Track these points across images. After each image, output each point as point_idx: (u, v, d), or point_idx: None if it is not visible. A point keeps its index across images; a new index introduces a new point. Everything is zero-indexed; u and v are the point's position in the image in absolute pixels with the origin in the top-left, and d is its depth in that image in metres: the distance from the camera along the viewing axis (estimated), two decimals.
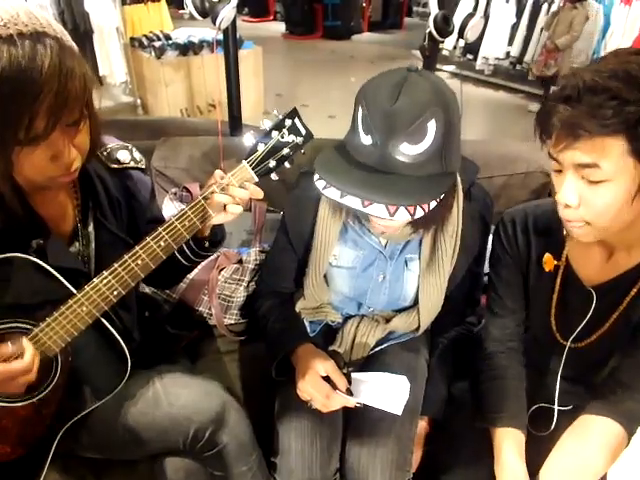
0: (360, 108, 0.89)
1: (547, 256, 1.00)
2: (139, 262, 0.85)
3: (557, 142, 0.77)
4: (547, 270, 1.00)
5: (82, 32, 4.27)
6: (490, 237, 1.14)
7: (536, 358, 1.09)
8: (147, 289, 1.46)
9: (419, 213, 0.87)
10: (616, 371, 0.94)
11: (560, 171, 0.81)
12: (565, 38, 5.13)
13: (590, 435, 0.90)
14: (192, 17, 1.66)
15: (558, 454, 0.91)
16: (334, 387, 1.02)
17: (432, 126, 0.85)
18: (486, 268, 1.18)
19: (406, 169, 0.86)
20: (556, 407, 1.01)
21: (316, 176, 0.90)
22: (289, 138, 0.89)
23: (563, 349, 1.01)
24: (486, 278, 1.17)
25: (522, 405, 1.03)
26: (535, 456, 0.93)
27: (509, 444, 0.96)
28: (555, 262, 0.99)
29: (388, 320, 1.23)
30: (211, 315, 1.48)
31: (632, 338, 0.93)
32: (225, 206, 0.89)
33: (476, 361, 1.12)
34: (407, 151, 0.85)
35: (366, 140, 0.88)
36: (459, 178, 1.06)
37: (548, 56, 5.32)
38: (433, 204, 0.88)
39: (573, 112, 0.72)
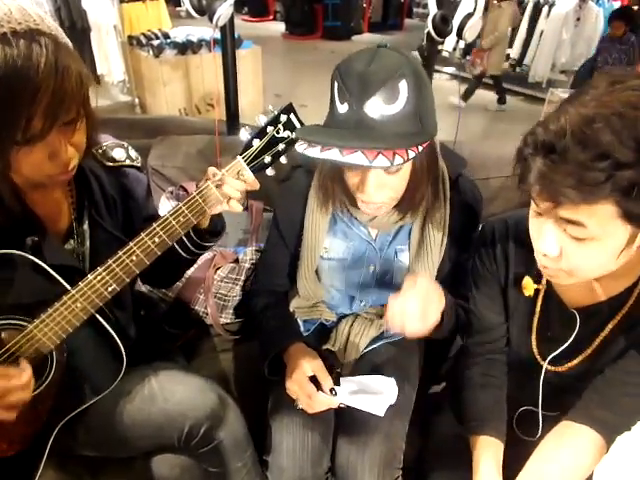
0: (335, 83, 0.91)
1: (526, 280, 0.94)
2: (133, 258, 0.85)
3: (538, 197, 0.69)
4: (527, 295, 0.95)
5: (79, 30, 4.27)
6: None
7: (519, 368, 1.05)
8: (143, 288, 1.46)
9: (398, 160, 0.85)
10: (596, 382, 0.90)
11: (541, 214, 0.73)
12: (489, 38, 5.19)
13: (568, 441, 0.87)
14: (189, 15, 1.66)
15: (536, 460, 0.88)
16: (320, 387, 1.03)
17: (404, 86, 0.87)
18: None
19: (384, 128, 0.88)
20: (540, 414, 0.99)
21: (298, 143, 0.90)
22: (284, 134, 0.89)
23: (541, 369, 0.98)
24: None
25: (502, 415, 1.01)
26: (520, 460, 0.91)
27: (487, 455, 0.94)
28: (535, 286, 0.94)
29: (381, 316, 1.23)
30: (207, 314, 1.48)
31: (613, 364, 0.89)
32: (226, 199, 0.90)
33: (458, 369, 1.10)
34: (383, 111, 0.87)
35: (342, 108, 0.89)
36: (445, 168, 1.07)
37: (476, 55, 5.37)
38: (412, 154, 0.87)
39: (556, 171, 0.63)
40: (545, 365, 0.97)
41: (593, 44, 5.82)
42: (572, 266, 0.74)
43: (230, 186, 0.89)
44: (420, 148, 0.88)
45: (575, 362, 0.95)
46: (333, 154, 0.84)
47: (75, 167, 0.81)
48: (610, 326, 0.88)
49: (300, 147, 0.89)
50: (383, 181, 0.96)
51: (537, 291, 0.95)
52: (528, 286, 0.94)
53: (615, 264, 0.73)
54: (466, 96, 5.58)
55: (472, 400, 1.03)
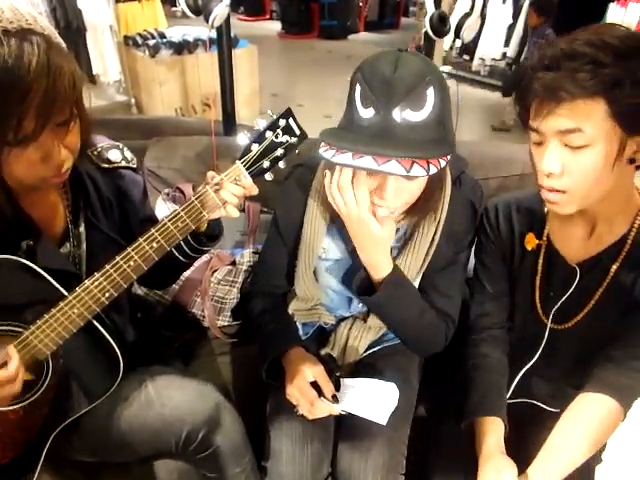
0: (357, 85, 0.89)
1: (529, 235, 1.03)
2: (131, 263, 0.84)
3: (539, 110, 0.80)
4: (529, 249, 1.03)
5: (75, 30, 4.23)
6: None
7: (523, 334, 1.10)
8: (140, 290, 1.45)
9: (432, 170, 0.86)
10: (608, 349, 0.95)
11: (541, 143, 0.83)
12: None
13: (587, 411, 0.92)
14: (185, 15, 1.65)
15: (556, 434, 0.92)
16: (322, 394, 1.02)
17: (431, 93, 0.87)
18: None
19: (410, 134, 0.87)
20: (537, 405, 1.03)
21: (323, 148, 0.90)
22: (283, 138, 0.88)
23: (545, 327, 1.03)
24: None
25: (502, 395, 1.05)
26: (521, 450, 0.94)
27: (490, 434, 0.97)
28: (537, 241, 1.02)
29: None
30: (204, 317, 1.47)
31: (621, 320, 0.94)
32: (224, 205, 0.89)
33: (460, 349, 1.14)
34: (410, 117, 0.86)
35: (367, 113, 0.88)
36: (448, 170, 1.06)
37: (413, 48, 5.38)
38: (443, 163, 0.88)
39: (554, 76, 0.76)
40: (548, 323, 1.03)
41: None
42: (574, 181, 0.82)
43: (228, 191, 0.88)
44: (449, 157, 0.89)
45: (580, 316, 0.99)
46: (367, 162, 0.83)
47: (69, 170, 0.80)
48: (610, 275, 0.94)
49: (327, 153, 0.88)
50: (402, 186, 0.95)
51: (539, 248, 1.03)
52: (531, 240, 1.02)
53: (610, 178, 0.81)
54: None
55: (473, 382, 1.07)
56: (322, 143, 0.90)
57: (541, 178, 0.86)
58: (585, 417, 0.91)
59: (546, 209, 1.02)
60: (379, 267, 1.05)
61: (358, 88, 0.89)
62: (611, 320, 0.95)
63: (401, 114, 0.86)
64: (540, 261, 1.03)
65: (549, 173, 0.82)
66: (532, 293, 1.05)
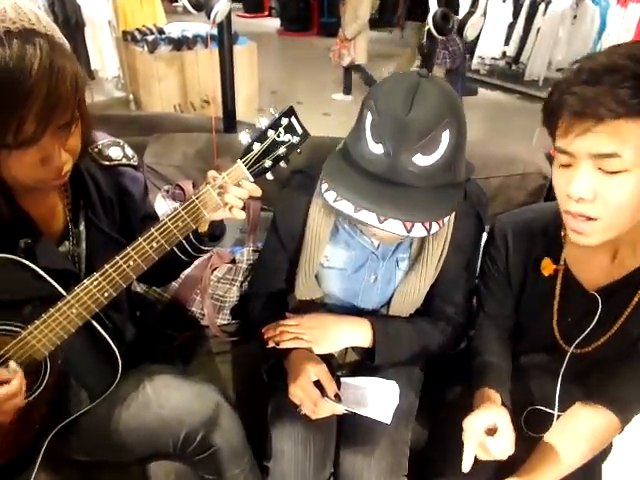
0: (369, 114, 0.86)
1: (546, 260, 0.97)
2: (131, 263, 0.83)
3: (570, 128, 0.73)
4: (546, 275, 0.97)
5: (73, 25, 4.21)
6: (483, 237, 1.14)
7: (540, 360, 1.08)
8: (139, 288, 1.44)
9: (434, 228, 0.86)
10: (616, 365, 0.93)
11: (569, 165, 0.76)
12: (352, 27, 5.15)
13: (585, 418, 0.91)
14: (186, 10, 1.63)
15: (552, 435, 0.93)
16: (324, 393, 1.01)
17: (446, 137, 0.84)
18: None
19: (418, 180, 0.85)
20: (556, 408, 1.00)
21: (324, 186, 0.89)
22: (285, 137, 0.87)
23: (565, 354, 1.00)
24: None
25: (503, 375, 1.03)
26: (528, 457, 0.93)
27: (486, 400, 0.95)
28: (554, 266, 0.96)
29: None
30: (203, 315, 1.46)
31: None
32: (228, 207, 0.88)
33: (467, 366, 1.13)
34: (420, 162, 0.84)
35: (376, 149, 0.85)
36: None
37: (342, 46, 5.32)
38: (446, 219, 0.88)
39: (594, 91, 0.69)
40: (571, 349, 0.99)
41: (589, 42, 5.82)
42: (605, 207, 0.75)
43: (233, 195, 0.86)
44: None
45: (601, 341, 0.96)
46: (369, 218, 0.83)
47: (68, 172, 0.79)
48: (634, 302, 0.89)
49: (328, 195, 0.88)
50: None
51: (556, 273, 0.97)
52: (547, 266, 0.97)
53: None
54: (347, 90, 5.63)
55: (475, 366, 1.05)
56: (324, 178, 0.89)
57: (567, 203, 0.78)
58: (582, 425, 0.90)
59: (563, 232, 0.95)
60: (359, 338, 1.10)
61: (369, 118, 0.86)
62: (634, 341, 0.92)
63: (411, 159, 0.83)
64: (558, 287, 0.98)
65: (579, 198, 0.75)
66: (549, 318, 1.00)
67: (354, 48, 5.30)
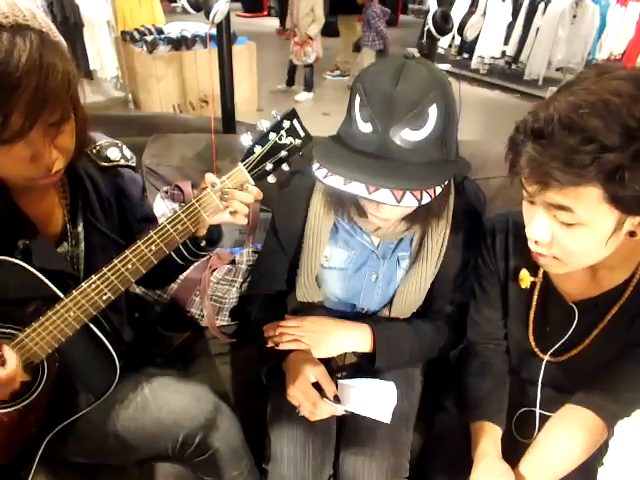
0: (357, 96, 0.87)
1: (523, 272, 0.96)
2: (129, 266, 0.82)
3: (528, 178, 0.71)
4: (523, 287, 0.97)
5: (72, 25, 4.20)
6: None
7: (518, 365, 1.08)
8: (138, 289, 1.43)
9: (426, 199, 0.84)
10: (600, 374, 0.93)
11: (532, 202, 0.75)
12: (314, 27, 5.27)
13: (571, 421, 0.90)
14: (185, 10, 1.63)
15: (541, 440, 0.91)
16: (323, 394, 1.01)
17: (433, 111, 0.84)
18: None
19: (408, 155, 0.84)
20: (537, 413, 1.00)
21: (315, 165, 0.88)
22: (287, 140, 0.86)
23: (541, 362, 1.00)
24: None
25: (502, 402, 1.03)
26: (517, 461, 0.92)
27: (486, 436, 0.95)
28: (531, 279, 0.96)
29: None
30: (203, 316, 1.46)
31: (616, 354, 0.91)
32: (234, 214, 0.87)
33: (459, 359, 1.14)
34: (409, 137, 0.84)
35: (365, 128, 0.85)
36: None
37: (305, 45, 5.38)
38: (439, 190, 0.86)
39: (545, 154, 0.65)
40: (546, 358, 0.99)
41: (589, 42, 5.81)
42: (563, 252, 0.76)
43: (239, 201, 0.85)
44: (446, 182, 0.87)
45: (573, 352, 0.96)
46: (358, 189, 0.82)
47: (60, 171, 0.77)
48: (608, 317, 0.90)
49: (319, 172, 0.87)
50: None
51: (534, 284, 0.97)
52: (525, 278, 0.96)
53: (605, 250, 0.74)
54: (309, 87, 5.72)
55: (472, 388, 1.05)
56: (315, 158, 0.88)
57: (529, 242, 0.79)
58: (570, 426, 0.90)
59: None
60: (359, 343, 1.09)
61: (357, 99, 0.87)
62: (607, 354, 0.92)
63: (399, 134, 0.83)
64: (535, 297, 0.98)
65: (536, 241, 0.77)
66: (525, 326, 1.01)
67: (318, 44, 5.48)
